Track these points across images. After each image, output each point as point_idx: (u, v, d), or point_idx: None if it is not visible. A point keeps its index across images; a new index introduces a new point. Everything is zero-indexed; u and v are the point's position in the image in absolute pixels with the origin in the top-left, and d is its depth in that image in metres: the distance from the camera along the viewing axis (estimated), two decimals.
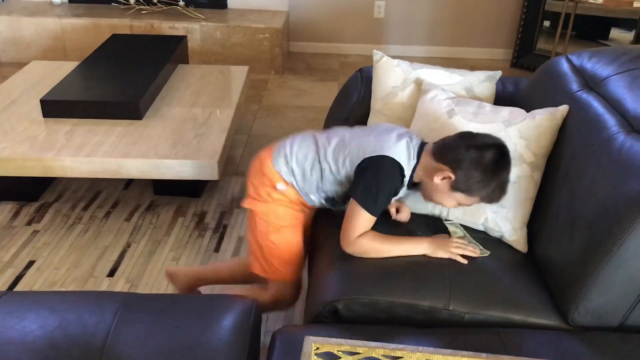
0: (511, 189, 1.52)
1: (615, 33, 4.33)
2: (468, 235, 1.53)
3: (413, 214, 1.60)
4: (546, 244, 1.45)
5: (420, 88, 1.83)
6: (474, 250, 1.45)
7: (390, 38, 4.48)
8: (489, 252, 1.47)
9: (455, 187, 1.42)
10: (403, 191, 1.51)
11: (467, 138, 1.45)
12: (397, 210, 1.59)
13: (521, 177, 1.53)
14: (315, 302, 1.37)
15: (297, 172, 1.52)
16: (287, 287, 1.65)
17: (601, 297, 1.26)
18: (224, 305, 1.32)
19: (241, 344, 1.22)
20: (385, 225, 1.49)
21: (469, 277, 1.39)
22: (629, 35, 4.09)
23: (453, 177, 1.41)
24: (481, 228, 1.57)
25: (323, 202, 1.57)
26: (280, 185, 1.54)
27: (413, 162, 1.46)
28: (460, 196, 1.43)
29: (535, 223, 1.53)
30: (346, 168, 1.48)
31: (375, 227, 1.44)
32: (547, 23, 4.33)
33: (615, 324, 1.30)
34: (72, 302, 1.27)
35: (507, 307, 1.34)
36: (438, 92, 1.74)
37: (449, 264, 1.41)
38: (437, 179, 1.42)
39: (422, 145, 1.49)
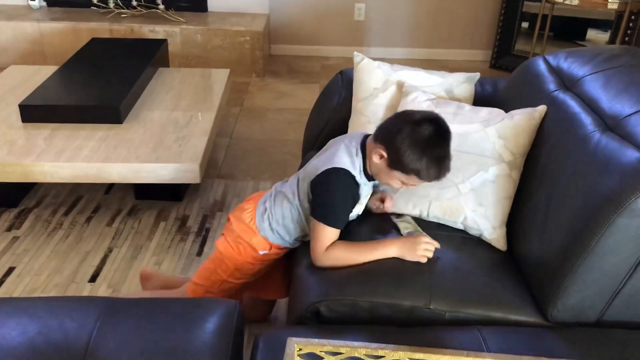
0: (490, 187, 1.54)
1: (591, 33, 4.40)
2: (419, 229, 1.54)
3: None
4: (525, 242, 1.47)
5: (401, 90, 1.84)
6: (435, 245, 1.45)
7: (371, 40, 4.51)
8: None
9: (390, 164, 1.41)
10: (368, 189, 1.53)
11: (402, 115, 1.45)
12: (383, 200, 1.61)
13: (500, 176, 1.55)
14: (298, 304, 1.37)
15: (282, 232, 1.58)
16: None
17: (579, 293, 1.28)
18: (207, 307, 1.31)
19: (224, 347, 1.22)
20: (363, 228, 1.51)
21: (449, 276, 1.41)
22: (605, 36, 4.16)
23: (385, 154, 1.40)
24: (460, 227, 1.58)
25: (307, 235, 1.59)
26: (262, 251, 1.60)
27: (358, 158, 1.46)
28: (399, 174, 1.41)
29: (514, 221, 1.55)
30: (308, 196, 1.50)
31: (353, 231, 1.45)
32: (525, 24, 4.38)
33: (593, 319, 1.33)
34: (53, 308, 1.26)
35: (487, 304, 1.36)
36: (419, 94, 1.76)
37: (430, 264, 1.42)
38: (375, 159, 1.43)
39: (366, 137, 1.50)
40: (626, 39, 3.82)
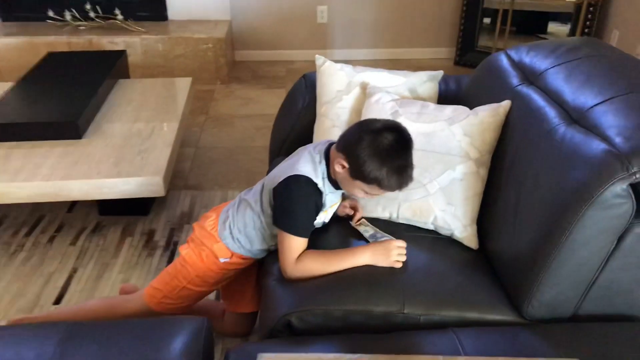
0: (458, 186, 1.52)
1: (552, 27, 4.45)
2: (378, 230, 1.52)
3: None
4: (496, 239, 1.46)
5: (365, 91, 1.82)
6: (402, 244, 1.43)
7: (335, 42, 4.49)
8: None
9: (352, 174, 1.38)
10: (334, 197, 1.49)
11: (363, 124, 1.42)
12: (354, 208, 1.58)
13: (467, 173, 1.53)
14: (268, 317, 1.33)
15: (243, 241, 1.54)
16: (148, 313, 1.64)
17: (553, 288, 1.26)
18: (173, 327, 1.26)
19: None
20: (332, 234, 1.48)
21: (422, 279, 1.38)
22: (565, 28, 4.20)
23: (346, 164, 1.37)
24: (431, 227, 1.56)
25: (273, 245, 1.55)
26: (224, 259, 1.56)
27: (321, 166, 1.43)
28: (361, 184, 1.38)
29: (484, 219, 1.54)
30: (271, 204, 1.47)
31: (323, 239, 1.42)
32: (487, 20, 4.41)
33: (568, 314, 1.31)
34: (7, 338, 1.20)
35: (462, 305, 1.33)
36: (382, 95, 1.73)
37: (402, 267, 1.39)
38: (337, 168, 1.40)
39: (331, 145, 1.47)
40: (585, 30, 3.87)
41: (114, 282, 2.10)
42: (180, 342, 1.21)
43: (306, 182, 1.40)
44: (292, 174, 1.40)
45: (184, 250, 1.61)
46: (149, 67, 3.95)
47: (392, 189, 1.37)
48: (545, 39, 4.32)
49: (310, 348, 1.21)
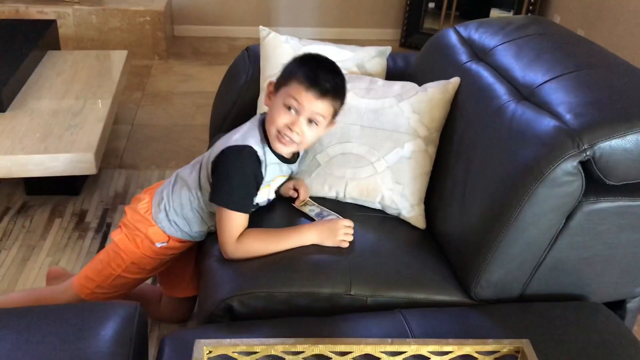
0: (406, 164, 1.48)
1: (494, 12, 4.48)
2: (324, 208, 1.47)
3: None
4: (444, 218, 1.42)
5: None
6: (350, 224, 1.38)
7: (280, 20, 4.38)
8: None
9: (275, 86, 1.35)
10: (275, 169, 1.40)
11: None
12: (298, 190, 1.50)
13: (415, 151, 1.49)
14: (208, 301, 1.24)
15: (180, 223, 1.44)
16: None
17: (502, 268, 1.23)
18: (103, 312, 1.17)
19: (124, 355, 1.09)
20: (277, 214, 1.41)
21: (369, 259, 1.33)
22: (508, 15, 4.24)
23: (273, 80, 1.36)
24: (378, 207, 1.51)
25: (212, 225, 1.45)
26: (160, 244, 1.46)
27: (260, 134, 1.36)
28: (282, 94, 1.30)
29: (432, 198, 1.50)
30: (209, 181, 1.37)
31: (265, 219, 1.34)
32: (431, 5, 4.41)
33: (516, 294, 1.30)
34: None
35: (410, 286, 1.29)
36: None
37: (348, 248, 1.33)
38: (266, 101, 1.38)
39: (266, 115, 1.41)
40: (528, 14, 3.92)
41: (41, 266, 1.96)
42: (110, 329, 1.12)
43: (245, 152, 1.31)
44: (229, 145, 1.32)
45: (116, 236, 1.50)
46: (82, 39, 3.74)
47: (308, 80, 1.28)
48: None
49: (252, 333, 1.14)
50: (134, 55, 3.72)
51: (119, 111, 2.98)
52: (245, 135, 1.35)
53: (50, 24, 2.96)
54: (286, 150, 1.38)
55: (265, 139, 1.35)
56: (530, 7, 3.91)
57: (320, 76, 1.29)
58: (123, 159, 2.65)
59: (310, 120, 1.31)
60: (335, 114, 1.36)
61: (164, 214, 1.44)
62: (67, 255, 2.01)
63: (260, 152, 1.33)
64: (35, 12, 3.62)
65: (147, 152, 2.72)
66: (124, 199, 2.35)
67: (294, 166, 1.48)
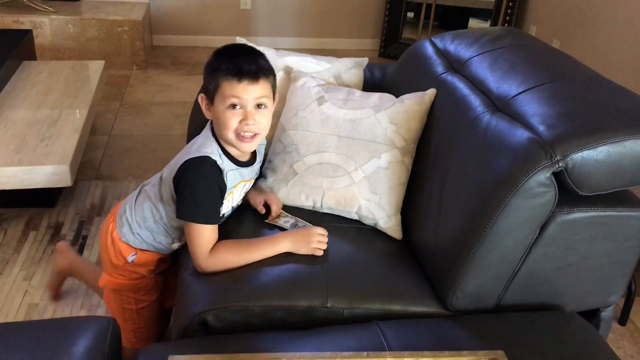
0: (383, 175, 1.48)
1: (472, 22, 4.53)
2: (299, 219, 1.46)
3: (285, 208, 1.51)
4: (421, 229, 1.42)
5: (289, 76, 1.74)
6: (324, 232, 1.38)
7: (259, 30, 4.38)
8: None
9: (209, 98, 1.31)
10: (235, 175, 1.37)
11: None
12: (268, 204, 1.49)
13: (392, 162, 1.49)
14: (182, 315, 1.23)
15: (144, 235, 1.42)
16: None
17: (477, 279, 1.24)
18: (74, 329, 1.14)
19: None
20: (245, 223, 1.42)
21: (346, 271, 1.33)
22: (486, 24, 4.30)
23: (204, 95, 1.33)
24: (355, 217, 1.51)
25: (182, 236, 1.44)
26: (131, 257, 1.44)
27: (213, 142, 1.33)
28: (219, 98, 1.28)
29: (409, 209, 1.50)
30: (174, 196, 1.35)
31: (238, 230, 1.33)
32: (410, 14, 4.44)
33: (491, 305, 1.30)
34: None
35: (386, 298, 1.29)
36: (308, 80, 1.67)
37: (325, 259, 1.33)
38: (207, 115, 1.34)
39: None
40: (505, 25, 3.97)
41: (14, 281, 1.92)
42: (82, 346, 1.09)
43: (206, 163, 1.29)
44: (188, 158, 1.30)
45: (104, 282, 1.50)
46: (59, 49, 3.70)
47: (233, 71, 1.26)
48: None
49: (227, 349, 1.12)
50: (112, 65, 3.70)
51: (97, 122, 2.95)
52: (201, 146, 1.33)
53: (25, 34, 2.93)
54: (252, 147, 1.36)
55: (220, 148, 1.34)
56: (507, 18, 3.96)
57: (242, 64, 1.27)
58: (100, 170, 2.62)
59: (258, 106, 1.29)
60: (274, 89, 1.35)
61: (128, 227, 1.42)
62: (42, 269, 1.98)
63: (219, 161, 1.32)
64: (11, 22, 3.58)
65: (124, 163, 2.70)
66: (100, 210, 2.32)
67: (255, 168, 1.46)
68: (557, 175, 1.15)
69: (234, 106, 1.27)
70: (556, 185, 1.16)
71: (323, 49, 4.40)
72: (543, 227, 1.19)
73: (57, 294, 1.87)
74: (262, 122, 1.30)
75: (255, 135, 1.31)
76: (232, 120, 1.28)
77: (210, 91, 1.30)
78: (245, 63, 1.27)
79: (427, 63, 1.70)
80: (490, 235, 1.18)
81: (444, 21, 4.43)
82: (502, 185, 1.17)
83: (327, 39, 4.47)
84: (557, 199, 1.17)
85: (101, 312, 1.82)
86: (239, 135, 1.29)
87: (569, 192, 1.17)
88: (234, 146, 1.33)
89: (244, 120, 1.28)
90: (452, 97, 1.48)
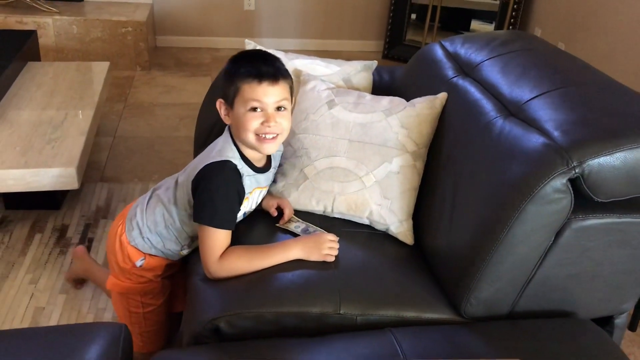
0: (394, 179, 1.47)
1: (475, 24, 4.52)
2: (310, 224, 1.45)
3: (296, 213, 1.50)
4: (433, 235, 1.41)
5: (298, 79, 1.73)
6: (334, 238, 1.37)
7: (262, 31, 4.37)
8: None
9: (228, 102, 1.31)
10: (252, 181, 1.37)
11: None
12: (281, 208, 1.48)
13: (404, 166, 1.48)
14: (194, 322, 1.22)
15: (154, 240, 1.42)
16: None
17: (491, 286, 1.23)
18: (86, 334, 1.14)
19: None
20: (257, 228, 1.42)
21: (358, 277, 1.32)
22: (490, 27, 4.29)
23: (222, 99, 1.33)
24: (366, 222, 1.50)
25: (191, 243, 1.44)
26: (140, 262, 1.44)
27: (232, 145, 1.33)
28: (239, 101, 1.28)
29: (421, 214, 1.49)
30: (190, 200, 1.35)
31: (249, 236, 1.34)
32: (414, 16, 4.43)
33: (505, 311, 1.29)
34: None
35: (399, 304, 1.28)
36: (317, 83, 1.66)
37: (337, 265, 1.32)
38: (225, 120, 1.34)
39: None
40: (509, 27, 3.96)
41: (20, 282, 1.91)
42: (94, 352, 1.09)
43: (226, 167, 1.29)
44: (209, 162, 1.30)
45: (111, 285, 1.51)
46: (63, 50, 3.69)
47: (252, 74, 1.27)
48: None
49: (241, 355, 1.11)
50: (115, 66, 3.69)
51: (101, 123, 2.94)
52: (222, 150, 1.33)
53: (29, 35, 2.92)
54: (273, 148, 1.35)
55: (239, 152, 1.33)
56: (512, 20, 3.95)
57: (261, 67, 1.28)
58: (105, 172, 2.61)
59: (278, 108, 1.30)
60: (292, 91, 1.35)
61: (137, 231, 1.42)
62: (48, 272, 1.97)
63: (239, 166, 1.31)
64: (15, 22, 3.57)
65: (129, 164, 2.69)
66: (106, 213, 2.31)
67: (270, 175, 1.46)
68: (573, 181, 1.14)
69: (254, 109, 1.28)
70: (572, 192, 1.15)
71: (326, 51, 4.39)
72: (558, 234, 1.18)
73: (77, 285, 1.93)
74: (282, 124, 1.31)
75: (276, 136, 1.31)
76: (253, 122, 1.28)
77: (229, 96, 1.30)
78: (264, 65, 1.28)
79: (438, 67, 1.69)
80: (506, 241, 1.17)
81: (446, 23, 4.41)
82: (517, 191, 1.16)
83: (330, 41, 4.46)
84: (572, 206, 1.16)
85: (108, 315, 1.81)
86: (259, 136, 1.30)
87: (584, 198, 1.16)
88: (254, 148, 1.33)
89: (265, 122, 1.28)
90: (464, 101, 1.47)
